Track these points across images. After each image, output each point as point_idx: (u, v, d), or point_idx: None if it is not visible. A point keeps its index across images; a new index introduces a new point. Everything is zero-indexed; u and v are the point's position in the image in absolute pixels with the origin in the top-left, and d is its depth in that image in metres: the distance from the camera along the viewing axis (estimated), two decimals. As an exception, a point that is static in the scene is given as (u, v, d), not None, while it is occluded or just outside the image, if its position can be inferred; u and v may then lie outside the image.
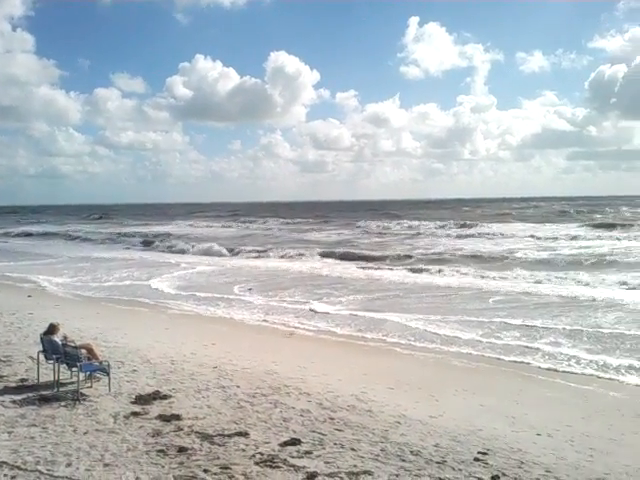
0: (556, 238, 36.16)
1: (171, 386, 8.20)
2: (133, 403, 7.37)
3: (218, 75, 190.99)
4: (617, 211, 67.76)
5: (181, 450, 5.82)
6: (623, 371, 10.02)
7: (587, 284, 19.41)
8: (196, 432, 6.35)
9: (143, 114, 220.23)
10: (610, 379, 9.71)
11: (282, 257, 31.50)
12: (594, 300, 16.28)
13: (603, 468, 5.97)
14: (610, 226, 42.82)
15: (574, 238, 35.67)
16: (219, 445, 5.97)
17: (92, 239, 48.17)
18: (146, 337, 11.91)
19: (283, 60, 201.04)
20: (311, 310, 15.89)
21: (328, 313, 15.45)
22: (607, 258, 25.54)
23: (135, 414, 6.93)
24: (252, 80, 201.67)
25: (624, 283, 19.04)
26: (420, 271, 24.14)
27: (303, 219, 68.52)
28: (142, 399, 7.52)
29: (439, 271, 23.69)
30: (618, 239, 34.00)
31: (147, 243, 42.65)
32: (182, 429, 6.44)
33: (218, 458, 5.62)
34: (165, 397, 7.63)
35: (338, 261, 28.80)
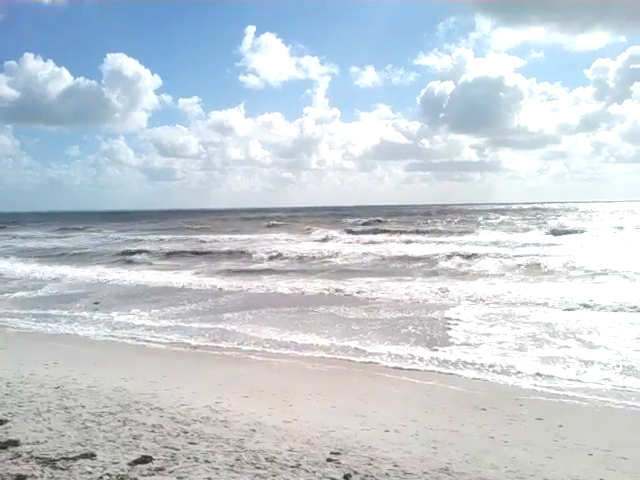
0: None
1: (7, 410, 7.52)
2: (-39, 433, 6.66)
3: (49, 75, 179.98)
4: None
5: (19, 478, 5.34)
6: (461, 366, 10.80)
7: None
8: (36, 457, 5.87)
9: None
10: (450, 374, 10.42)
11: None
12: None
13: (446, 458, 6.36)
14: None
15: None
16: (62, 469, 5.56)
17: None
18: (-23, 360, 10.87)
19: (122, 62, 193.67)
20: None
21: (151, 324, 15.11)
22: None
23: (-36, 445, 6.27)
24: (87, 82, 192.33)
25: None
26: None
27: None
28: (-28, 428, 6.82)
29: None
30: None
31: None
32: (20, 455, 5.92)
33: (61, 484, 5.24)
34: (0, 423, 6.99)
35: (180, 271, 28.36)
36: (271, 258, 32.41)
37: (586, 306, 15.83)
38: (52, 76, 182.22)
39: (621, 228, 45.82)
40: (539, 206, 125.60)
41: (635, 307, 15.47)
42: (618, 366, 10.51)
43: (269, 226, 68.82)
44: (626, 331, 13.19)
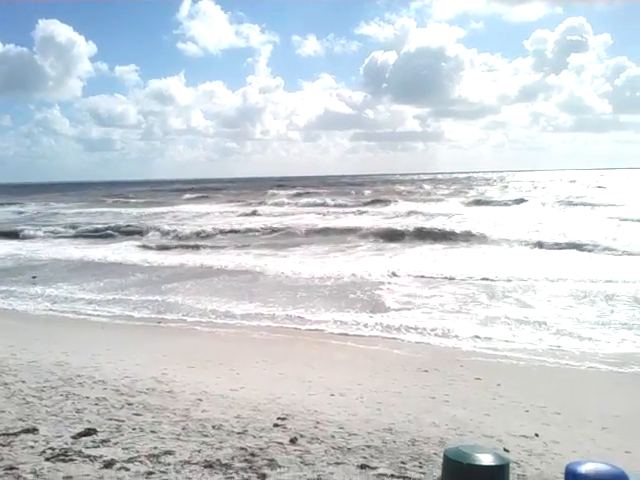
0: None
1: (-59, 389, 7.29)
2: None
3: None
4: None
5: (-44, 457, 5.21)
6: (404, 330, 11.06)
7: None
8: (-26, 436, 5.73)
9: None
10: (394, 338, 10.67)
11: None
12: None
13: (389, 419, 6.54)
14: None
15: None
16: (3, 445, 5.44)
17: None
18: None
19: (54, 29, 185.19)
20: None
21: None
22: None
23: None
24: (18, 49, 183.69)
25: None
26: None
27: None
28: None
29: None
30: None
31: None
32: (-43, 434, 5.77)
33: (2, 459, 5.12)
34: None
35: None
36: (197, 233, 31.49)
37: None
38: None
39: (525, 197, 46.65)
40: (476, 175, 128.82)
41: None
42: (552, 327, 10.98)
43: (198, 197, 67.68)
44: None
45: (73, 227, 35.56)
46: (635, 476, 2.73)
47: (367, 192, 65.43)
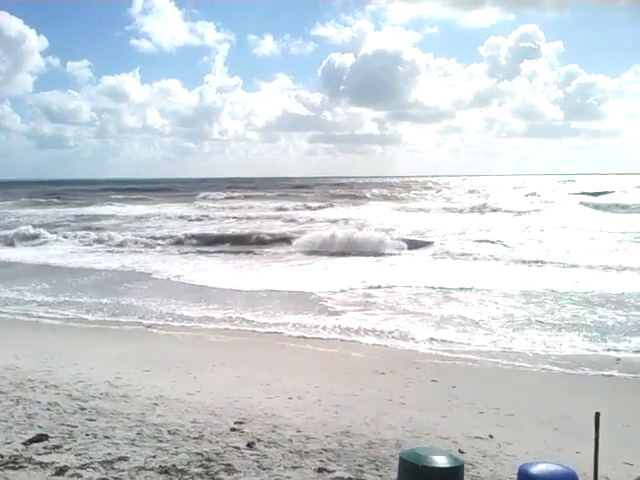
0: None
1: None
2: None
3: None
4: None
5: None
6: (362, 333, 11.14)
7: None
8: None
9: None
10: (352, 341, 10.73)
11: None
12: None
13: (346, 421, 6.57)
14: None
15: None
16: (-52, 454, 5.26)
17: None
18: None
19: (3, 21, 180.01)
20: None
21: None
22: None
23: None
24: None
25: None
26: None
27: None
28: None
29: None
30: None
31: None
32: None
33: (-53, 468, 4.96)
34: None
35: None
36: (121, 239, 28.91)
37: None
38: None
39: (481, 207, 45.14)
40: (431, 179, 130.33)
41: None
42: (505, 330, 11.22)
43: (133, 199, 65.67)
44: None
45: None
46: None
47: (310, 196, 65.07)
